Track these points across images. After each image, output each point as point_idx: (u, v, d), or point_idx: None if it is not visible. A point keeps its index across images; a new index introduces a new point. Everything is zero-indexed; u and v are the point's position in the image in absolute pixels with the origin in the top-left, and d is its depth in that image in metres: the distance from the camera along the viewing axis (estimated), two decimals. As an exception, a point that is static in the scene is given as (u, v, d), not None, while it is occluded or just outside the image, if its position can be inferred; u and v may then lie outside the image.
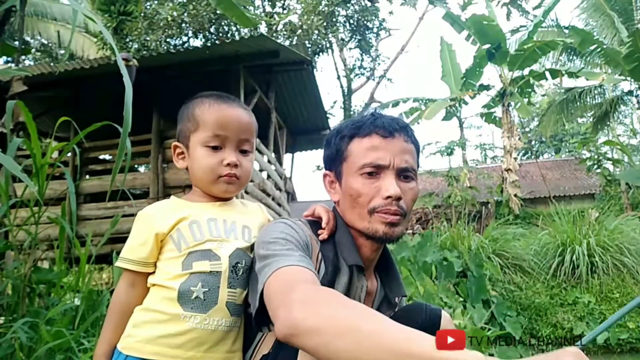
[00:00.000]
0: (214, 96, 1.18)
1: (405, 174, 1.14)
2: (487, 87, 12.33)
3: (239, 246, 1.10)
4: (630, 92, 14.39)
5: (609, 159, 14.14)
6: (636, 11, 12.87)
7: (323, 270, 1.09)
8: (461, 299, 5.70)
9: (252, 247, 1.12)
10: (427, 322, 1.15)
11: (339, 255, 1.13)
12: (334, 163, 1.20)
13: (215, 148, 1.14)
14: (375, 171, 1.11)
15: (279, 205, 8.21)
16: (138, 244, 1.10)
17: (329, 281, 1.08)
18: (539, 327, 6.17)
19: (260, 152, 7.21)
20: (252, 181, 6.41)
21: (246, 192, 6.23)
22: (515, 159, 11.94)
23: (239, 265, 1.09)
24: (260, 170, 7.49)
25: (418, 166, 1.20)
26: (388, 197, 1.09)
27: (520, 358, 5.42)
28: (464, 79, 11.88)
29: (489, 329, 5.11)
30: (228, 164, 1.13)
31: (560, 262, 6.70)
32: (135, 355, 1.04)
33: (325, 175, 1.24)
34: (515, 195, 11.39)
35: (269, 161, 7.93)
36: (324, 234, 1.14)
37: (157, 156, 6.50)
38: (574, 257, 6.59)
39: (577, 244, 6.67)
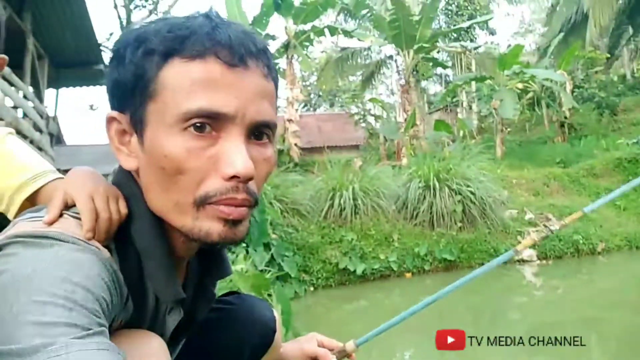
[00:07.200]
0: None
1: (259, 132, 0.68)
2: (272, 37, 12.58)
3: None
4: (391, 57, 16.55)
5: (372, 115, 16.15)
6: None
7: (131, 305, 0.67)
8: (244, 245, 5.89)
9: None
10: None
11: (144, 279, 0.68)
12: (129, 98, 0.66)
13: None
14: (211, 125, 0.62)
15: (40, 149, 7.06)
16: None
17: (135, 318, 0.68)
18: (311, 264, 6.83)
19: (12, 84, 5.99)
20: (0, 119, 5.30)
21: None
22: (296, 110, 12.66)
23: None
24: (14, 108, 6.26)
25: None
26: (233, 176, 0.62)
27: (295, 293, 5.97)
28: (251, 26, 11.87)
29: (269, 271, 5.42)
30: None
31: (330, 205, 7.46)
32: None
33: (111, 120, 0.68)
34: (295, 145, 12.15)
35: (25, 96, 6.69)
36: (92, 241, 0.61)
37: None
38: (342, 200, 7.41)
39: (345, 189, 7.51)
